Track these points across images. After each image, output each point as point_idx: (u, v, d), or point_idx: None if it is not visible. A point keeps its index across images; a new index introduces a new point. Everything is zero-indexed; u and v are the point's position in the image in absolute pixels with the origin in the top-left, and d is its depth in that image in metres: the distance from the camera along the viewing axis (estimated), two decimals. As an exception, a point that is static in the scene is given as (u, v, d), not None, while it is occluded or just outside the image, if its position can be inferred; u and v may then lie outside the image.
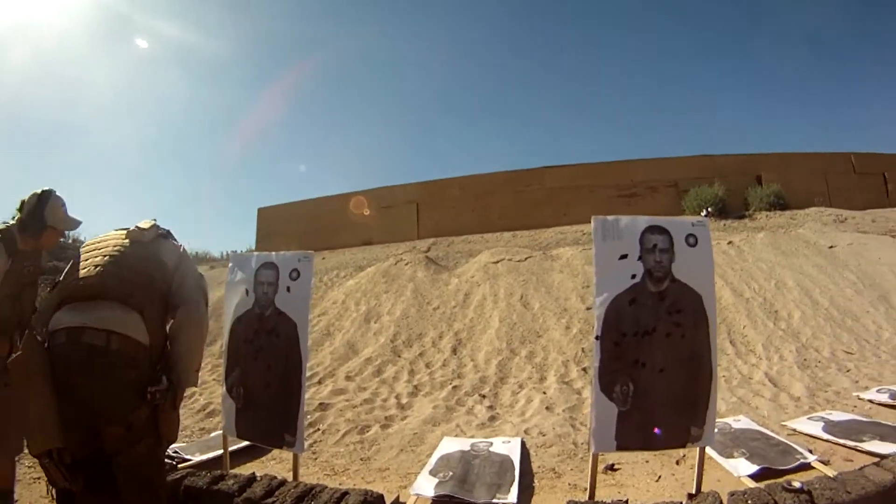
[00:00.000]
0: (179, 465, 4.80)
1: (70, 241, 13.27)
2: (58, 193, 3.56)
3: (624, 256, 3.80)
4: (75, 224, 3.64)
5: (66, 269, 3.06)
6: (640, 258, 3.79)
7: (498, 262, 11.80)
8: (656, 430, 3.69)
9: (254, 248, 18.80)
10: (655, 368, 3.70)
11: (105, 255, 3.01)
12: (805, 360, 7.03)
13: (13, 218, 3.52)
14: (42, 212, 3.44)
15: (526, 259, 11.81)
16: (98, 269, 2.94)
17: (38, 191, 3.48)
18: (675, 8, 60.93)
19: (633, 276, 3.77)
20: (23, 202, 3.48)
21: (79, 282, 2.90)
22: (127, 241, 3.13)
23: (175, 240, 3.39)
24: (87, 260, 3.02)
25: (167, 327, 3.06)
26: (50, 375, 2.58)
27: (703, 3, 58.93)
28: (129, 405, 2.69)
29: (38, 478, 3.82)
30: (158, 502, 2.91)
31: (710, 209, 14.85)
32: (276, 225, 19.16)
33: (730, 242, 11.62)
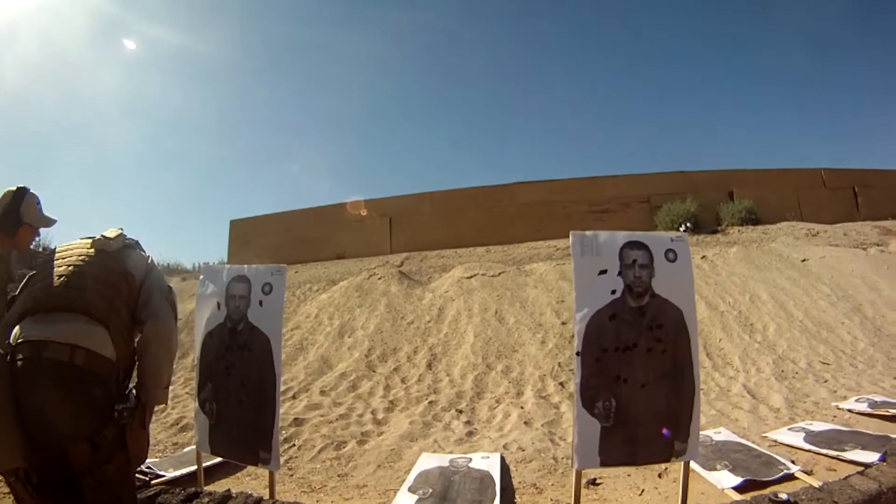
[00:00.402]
0: (153, 482, 4.70)
1: (40, 248, 13.09)
2: (32, 191, 3.47)
3: (603, 272, 3.79)
4: (50, 222, 3.53)
5: (27, 278, 2.93)
6: (619, 273, 3.79)
7: (472, 276, 11.78)
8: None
9: (226, 259, 18.63)
10: (637, 384, 3.69)
11: (69, 265, 2.88)
12: (782, 371, 7.06)
13: None
14: (18, 208, 3.31)
15: (500, 274, 11.79)
16: (62, 279, 2.81)
17: (13, 188, 3.37)
18: (643, 25, 61.57)
19: (613, 292, 3.77)
20: None
21: (42, 292, 2.77)
22: (92, 250, 3.00)
23: (143, 250, 3.26)
24: (50, 269, 2.89)
25: (135, 342, 2.94)
26: (11, 391, 2.46)
27: (670, 22, 59.61)
28: (94, 423, 2.56)
29: (7, 493, 3.72)
30: None
31: (688, 224, 14.97)
32: (248, 237, 19.01)
33: (703, 257, 11.69)
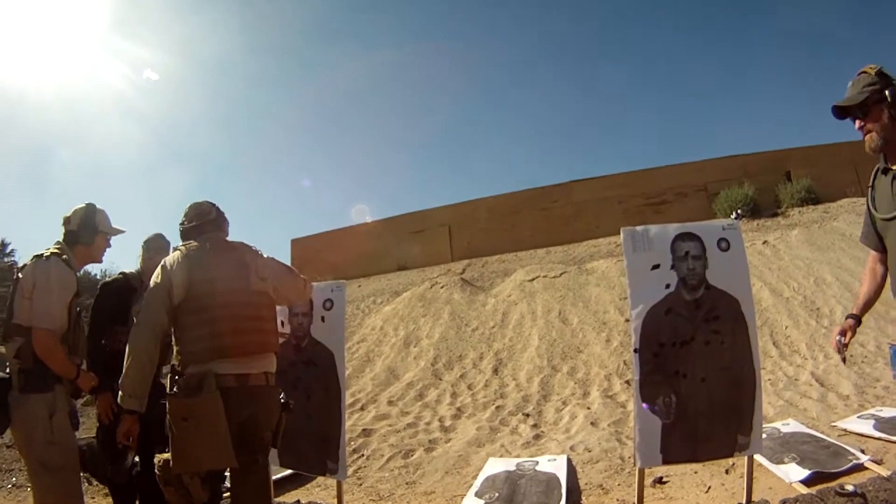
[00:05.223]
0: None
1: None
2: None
3: (656, 266, 3.78)
4: (119, 231, 3.84)
5: (204, 322, 3.11)
6: (672, 267, 3.77)
7: (533, 279, 11.73)
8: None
9: (289, 279, 18.85)
10: (697, 378, 3.67)
11: (245, 317, 3.16)
12: (851, 355, 6.81)
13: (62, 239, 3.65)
14: (94, 219, 3.67)
15: (561, 275, 11.72)
16: (246, 324, 3.15)
17: (81, 205, 3.69)
18: (686, 10, 60.89)
19: (668, 286, 3.75)
20: (67, 218, 3.65)
21: (231, 338, 3.07)
22: (253, 290, 3.24)
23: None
24: (224, 314, 3.10)
25: None
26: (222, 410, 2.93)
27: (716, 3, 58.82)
28: (278, 417, 3.24)
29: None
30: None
31: (739, 211, 14.59)
32: (310, 255, 19.26)
33: (765, 242, 11.43)
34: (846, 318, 3.16)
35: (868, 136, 2.71)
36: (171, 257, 3.19)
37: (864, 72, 2.69)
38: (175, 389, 2.98)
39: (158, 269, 3.14)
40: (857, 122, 2.74)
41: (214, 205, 3.46)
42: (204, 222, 3.34)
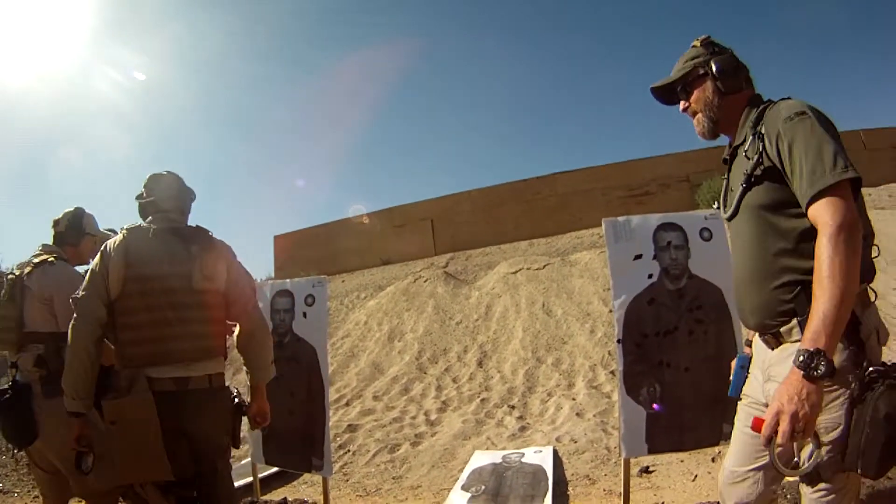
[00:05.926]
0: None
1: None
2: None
3: (638, 257, 3.78)
4: (108, 235, 3.81)
5: (131, 322, 2.81)
6: (654, 257, 3.76)
7: (517, 271, 11.72)
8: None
9: (273, 276, 18.82)
10: (680, 367, 3.67)
11: (187, 320, 2.84)
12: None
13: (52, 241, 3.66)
14: (80, 221, 3.68)
15: (544, 266, 11.71)
16: (188, 328, 2.84)
17: (70, 208, 3.71)
18: (670, 2, 61.27)
19: (650, 276, 3.75)
20: (56, 220, 3.66)
21: (166, 345, 2.78)
22: (199, 291, 2.88)
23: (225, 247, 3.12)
24: (158, 317, 2.79)
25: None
26: (157, 420, 2.70)
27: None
28: (229, 421, 3.05)
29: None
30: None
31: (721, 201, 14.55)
32: (293, 251, 19.19)
33: (747, 232, 11.44)
34: (745, 344, 2.63)
35: (695, 118, 2.32)
36: (111, 242, 2.87)
37: (693, 45, 2.30)
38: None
39: (98, 255, 2.85)
40: (682, 103, 2.34)
41: (178, 178, 3.12)
42: (161, 198, 3.00)
